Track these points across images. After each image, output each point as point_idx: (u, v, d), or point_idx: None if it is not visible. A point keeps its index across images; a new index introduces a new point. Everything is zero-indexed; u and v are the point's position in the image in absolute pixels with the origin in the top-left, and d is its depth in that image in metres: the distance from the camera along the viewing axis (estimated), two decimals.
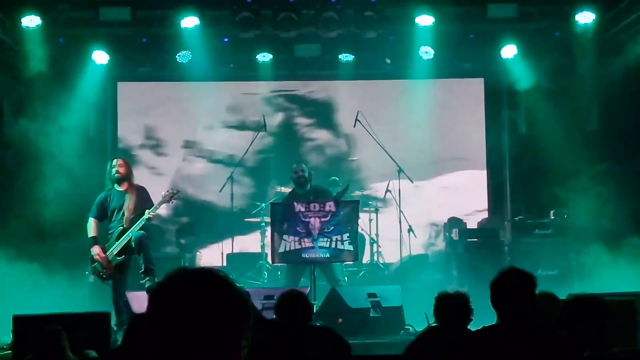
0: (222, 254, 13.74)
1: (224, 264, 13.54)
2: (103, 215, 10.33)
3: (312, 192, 11.31)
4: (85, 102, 13.63)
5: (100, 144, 14.31)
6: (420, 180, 14.12)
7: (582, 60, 13.00)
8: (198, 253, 13.85)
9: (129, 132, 14.75)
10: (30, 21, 12.23)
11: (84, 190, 13.16)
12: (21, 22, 12.24)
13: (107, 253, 10.08)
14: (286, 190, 13.24)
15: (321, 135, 14.92)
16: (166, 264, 11.69)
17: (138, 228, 10.06)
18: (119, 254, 10.07)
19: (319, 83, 14.93)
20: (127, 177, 10.38)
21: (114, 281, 10.13)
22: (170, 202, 10.68)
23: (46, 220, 12.37)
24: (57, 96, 13.10)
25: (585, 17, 12.45)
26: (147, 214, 10.04)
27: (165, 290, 1.92)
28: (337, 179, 13.43)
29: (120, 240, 10.06)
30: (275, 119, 14.83)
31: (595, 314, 4.67)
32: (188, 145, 14.78)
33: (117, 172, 10.27)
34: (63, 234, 12.46)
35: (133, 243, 10.00)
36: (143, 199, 10.31)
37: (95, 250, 10.12)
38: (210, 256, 14.08)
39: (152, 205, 10.22)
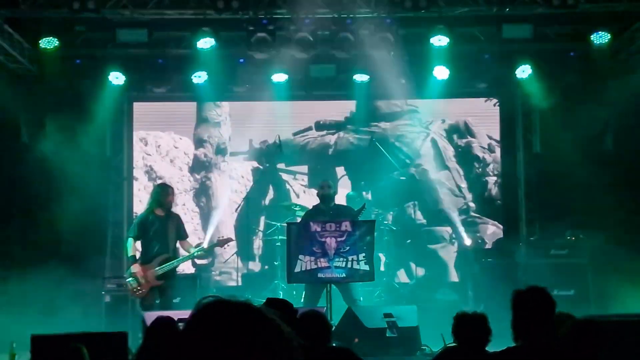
0: (237, 273, 13.76)
1: (239, 283, 13.55)
2: (141, 236, 10.67)
3: (334, 208, 11.41)
4: (101, 123, 13.71)
5: (116, 164, 14.37)
6: (437, 202, 14.13)
7: (597, 80, 13.00)
8: (213, 273, 13.88)
9: (145, 152, 14.80)
10: (48, 43, 12.34)
11: (101, 210, 13.26)
12: (39, 44, 12.35)
13: (148, 273, 10.44)
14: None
15: (338, 158, 14.92)
16: (182, 283, 11.75)
17: (185, 261, 10.94)
18: (159, 278, 10.47)
19: (334, 103, 14.95)
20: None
21: (142, 299, 10.56)
22: (224, 248, 11.59)
23: (63, 240, 12.42)
24: (74, 117, 13.20)
25: (600, 38, 12.46)
26: (198, 253, 10.80)
27: (207, 320, 1.93)
28: (353, 194, 13.47)
29: (163, 266, 10.46)
30: (293, 141, 14.83)
31: (587, 335, 4.65)
32: (204, 164, 14.81)
33: (172, 201, 10.88)
34: (80, 253, 12.50)
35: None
36: (180, 227, 10.83)
37: (137, 268, 10.45)
38: (226, 276, 14.09)
39: (186, 233, 10.90)
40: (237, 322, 1.88)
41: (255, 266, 14.25)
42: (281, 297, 12.57)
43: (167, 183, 12.40)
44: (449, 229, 14.41)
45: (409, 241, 13.73)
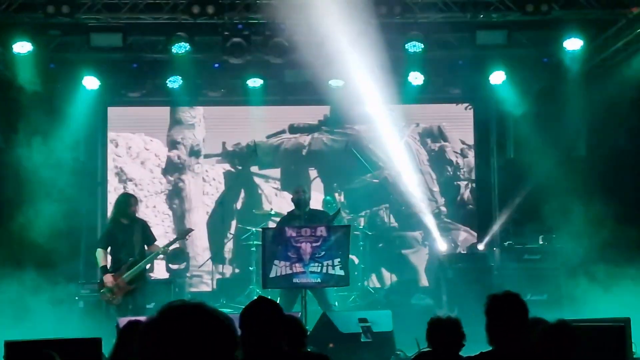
0: (212, 278, 13.73)
1: (214, 288, 13.53)
2: (109, 246, 10.87)
3: (309, 213, 11.38)
4: (75, 127, 13.65)
5: (90, 169, 14.33)
6: (410, 205, 14.18)
7: (570, 86, 13.10)
8: (188, 278, 13.84)
9: (115, 153, 14.75)
10: (22, 47, 12.24)
11: (75, 215, 13.17)
12: (12, 48, 12.26)
13: (119, 280, 10.55)
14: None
15: (311, 159, 14.94)
16: (157, 288, 11.74)
17: (151, 261, 11.09)
18: (130, 282, 10.58)
19: (309, 108, 14.97)
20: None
21: (118, 306, 10.66)
22: (185, 239, 11.71)
23: (36, 245, 12.34)
24: (47, 121, 13.12)
25: (573, 44, 12.55)
26: (162, 249, 10.81)
27: (155, 326, 2.03)
28: (330, 198, 13.51)
29: (132, 270, 10.57)
30: (266, 143, 14.85)
31: (559, 339, 4.70)
32: (177, 166, 14.78)
33: (136, 210, 10.99)
34: (54, 258, 12.43)
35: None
36: (146, 232, 10.96)
37: (108, 278, 10.59)
38: (200, 281, 14.06)
39: (153, 237, 10.98)
40: (188, 326, 1.99)
41: (230, 271, 14.24)
42: None
43: (129, 192, 12.72)
44: (420, 232, 14.47)
45: (380, 245, 13.79)
